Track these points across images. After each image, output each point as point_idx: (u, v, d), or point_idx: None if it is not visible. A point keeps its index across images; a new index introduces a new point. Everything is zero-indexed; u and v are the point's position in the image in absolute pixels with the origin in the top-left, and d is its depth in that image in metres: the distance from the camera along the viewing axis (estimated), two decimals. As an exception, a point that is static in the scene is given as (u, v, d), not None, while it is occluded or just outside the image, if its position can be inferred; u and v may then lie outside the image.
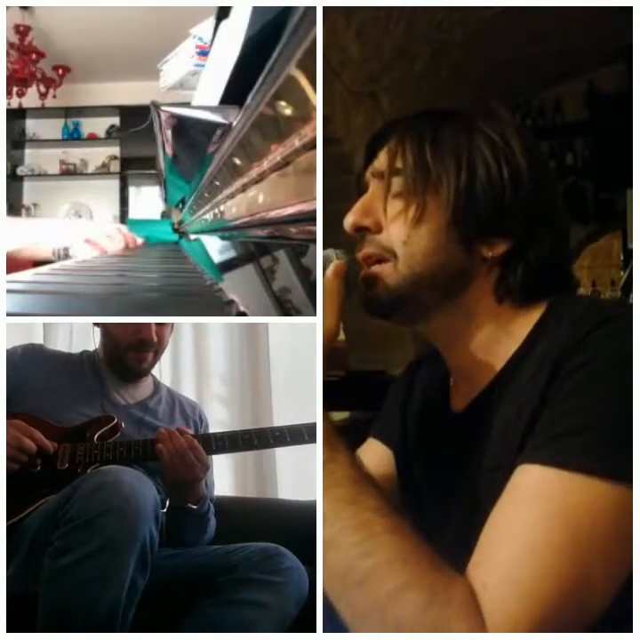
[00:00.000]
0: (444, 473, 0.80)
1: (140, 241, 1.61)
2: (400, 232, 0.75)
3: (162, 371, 2.20)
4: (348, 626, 0.62)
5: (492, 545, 0.62)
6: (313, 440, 1.32)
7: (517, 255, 0.75)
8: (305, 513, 1.38)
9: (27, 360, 1.43)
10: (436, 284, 0.75)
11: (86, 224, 1.66)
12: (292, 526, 1.45)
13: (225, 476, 2.02)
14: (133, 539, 1.03)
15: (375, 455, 0.93)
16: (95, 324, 1.50)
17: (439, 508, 0.80)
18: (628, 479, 0.61)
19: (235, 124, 1.03)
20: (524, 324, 0.75)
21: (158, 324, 1.44)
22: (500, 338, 0.76)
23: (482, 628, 0.57)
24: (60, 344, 2.11)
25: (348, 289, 0.73)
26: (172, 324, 1.52)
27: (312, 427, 1.32)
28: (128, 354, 1.44)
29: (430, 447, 0.84)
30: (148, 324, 1.42)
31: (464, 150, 0.74)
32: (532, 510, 0.61)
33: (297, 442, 1.34)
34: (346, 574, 0.60)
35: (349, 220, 0.78)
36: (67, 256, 1.59)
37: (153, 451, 1.29)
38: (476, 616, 0.58)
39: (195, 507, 1.33)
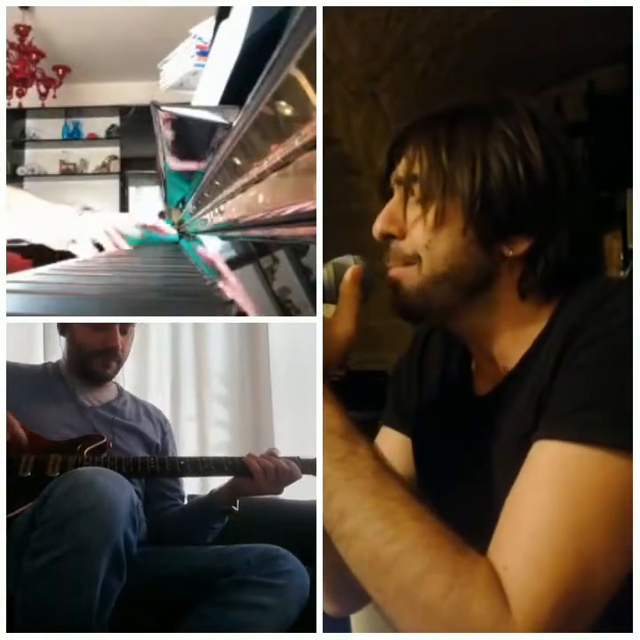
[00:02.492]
0: (464, 457, 0.81)
1: (125, 247, 1.60)
2: (421, 237, 0.76)
3: (162, 371, 2.20)
4: (379, 610, 0.64)
5: (511, 525, 0.63)
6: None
7: (539, 252, 0.75)
8: (306, 513, 1.38)
9: None
10: (459, 285, 0.76)
11: (89, 220, 1.63)
12: (293, 526, 1.45)
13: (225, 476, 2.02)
14: (106, 541, 1.03)
15: (392, 444, 0.93)
16: (61, 334, 1.52)
17: (457, 492, 0.80)
18: None
19: (235, 124, 1.03)
20: (548, 313, 0.76)
21: (122, 333, 1.47)
22: (525, 326, 0.77)
23: (505, 607, 0.58)
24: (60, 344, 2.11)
25: (364, 293, 0.74)
26: (133, 332, 1.54)
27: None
28: (94, 360, 1.46)
29: (452, 432, 0.84)
30: (115, 333, 1.45)
31: (478, 152, 0.74)
32: (550, 488, 0.62)
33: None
34: (373, 561, 0.62)
35: (377, 228, 0.79)
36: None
37: (143, 467, 1.32)
38: (499, 596, 0.59)
39: (236, 508, 1.39)
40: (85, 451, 1.33)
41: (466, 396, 0.85)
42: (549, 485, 0.62)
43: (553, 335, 0.72)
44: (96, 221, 1.62)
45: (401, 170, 0.80)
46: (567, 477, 0.62)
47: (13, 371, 1.46)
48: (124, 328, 1.48)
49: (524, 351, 0.76)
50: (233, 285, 1.09)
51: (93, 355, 1.46)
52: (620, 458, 0.61)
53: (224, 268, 1.35)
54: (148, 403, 1.65)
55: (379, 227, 0.79)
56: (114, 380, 1.55)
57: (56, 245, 1.60)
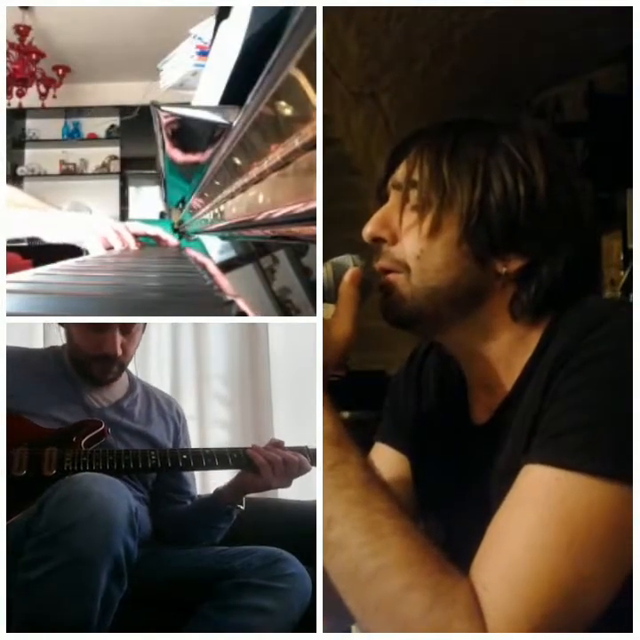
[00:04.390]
0: (463, 483, 0.80)
1: (134, 246, 1.60)
2: (413, 245, 0.75)
3: (162, 370, 2.21)
4: (358, 623, 0.64)
5: (492, 546, 0.63)
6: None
7: (532, 272, 0.74)
8: (306, 513, 1.37)
9: None
10: (450, 299, 0.75)
11: (99, 218, 1.62)
12: (293, 527, 1.44)
13: (225, 476, 2.02)
14: (105, 552, 1.01)
15: (387, 460, 0.92)
16: (60, 325, 1.44)
17: (456, 513, 0.81)
18: (628, 479, 0.61)
19: (235, 124, 1.03)
20: (539, 334, 0.75)
21: (125, 335, 1.38)
22: (517, 349, 0.76)
23: (483, 629, 0.58)
24: (60, 344, 2.11)
25: (363, 294, 0.73)
26: (142, 331, 1.46)
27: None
28: (92, 365, 1.39)
29: (450, 459, 0.84)
30: (113, 338, 1.36)
31: (481, 165, 0.74)
32: (532, 510, 0.62)
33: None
34: (355, 573, 0.62)
35: (367, 231, 0.78)
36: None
37: (144, 461, 1.28)
38: (478, 618, 0.58)
39: (242, 507, 1.35)
40: (82, 441, 1.28)
41: (463, 424, 0.84)
42: (532, 508, 0.62)
43: (544, 359, 0.71)
44: (104, 220, 1.60)
45: (400, 174, 0.79)
46: (549, 501, 0.61)
47: (12, 354, 1.40)
48: (127, 328, 1.39)
49: (517, 376, 0.76)
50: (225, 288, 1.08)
51: (91, 359, 1.38)
52: (602, 483, 0.61)
53: (216, 271, 1.34)
54: (163, 396, 1.57)
55: (369, 230, 0.78)
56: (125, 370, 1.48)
57: (71, 241, 1.59)
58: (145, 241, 1.66)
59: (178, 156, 1.62)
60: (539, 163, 0.73)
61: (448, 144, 0.76)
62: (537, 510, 0.61)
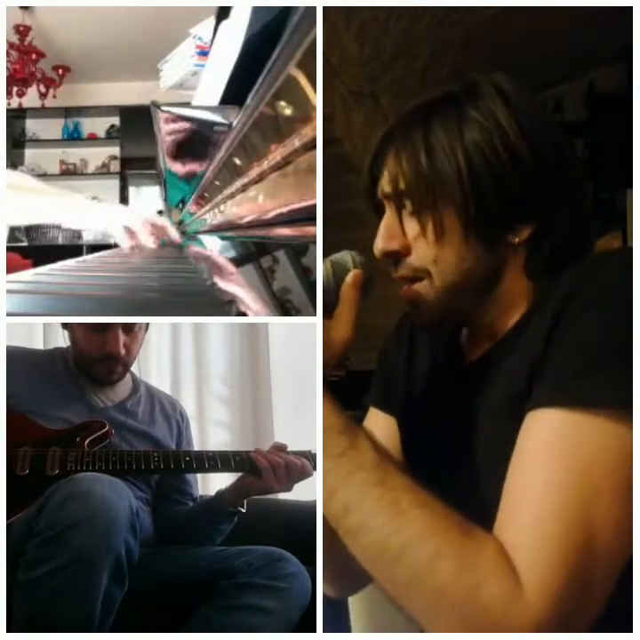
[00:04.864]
0: (450, 430, 0.80)
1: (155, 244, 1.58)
2: (427, 253, 0.76)
3: (162, 370, 2.21)
4: (391, 600, 0.64)
5: (514, 502, 0.62)
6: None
7: (542, 234, 0.74)
8: (306, 513, 1.37)
9: None
10: (472, 287, 0.76)
11: (130, 212, 1.59)
12: (293, 527, 1.44)
13: (226, 478, 2.02)
14: (106, 552, 1.00)
15: (379, 426, 0.93)
16: (63, 327, 1.45)
17: (444, 467, 0.80)
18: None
19: (235, 124, 1.03)
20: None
21: (127, 334, 1.39)
22: (525, 297, 0.77)
23: (516, 586, 0.58)
24: (60, 344, 2.11)
25: (364, 292, 0.74)
26: (145, 330, 1.47)
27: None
28: (95, 365, 1.39)
29: (439, 404, 0.84)
30: (116, 338, 1.36)
31: (458, 150, 0.73)
32: (550, 459, 0.61)
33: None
34: (381, 552, 0.62)
35: (379, 247, 0.78)
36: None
37: (147, 462, 1.28)
38: (509, 575, 0.58)
39: (243, 510, 1.35)
40: (86, 442, 1.28)
41: (454, 363, 0.84)
42: (549, 456, 0.61)
43: (546, 302, 0.71)
44: (130, 211, 1.59)
45: (386, 185, 0.79)
46: (567, 446, 0.61)
47: (23, 359, 1.42)
48: (129, 327, 1.39)
49: (518, 317, 0.77)
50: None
51: (94, 360, 1.39)
52: (621, 422, 0.60)
53: (223, 261, 1.34)
54: (167, 397, 1.57)
55: (380, 246, 0.78)
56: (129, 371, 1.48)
57: (95, 229, 1.57)
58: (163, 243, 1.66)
59: (179, 168, 1.62)
60: (509, 123, 0.72)
61: (420, 140, 0.75)
62: (555, 458, 0.61)
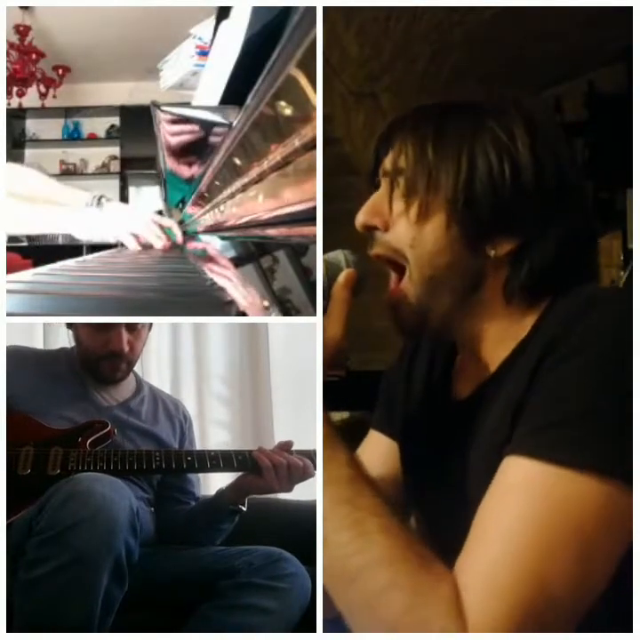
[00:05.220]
0: (446, 463, 0.80)
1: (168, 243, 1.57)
2: (405, 233, 0.75)
3: (162, 371, 2.21)
4: (346, 621, 0.63)
5: (474, 544, 0.62)
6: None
7: (523, 254, 0.74)
8: (306, 513, 1.37)
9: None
10: (450, 288, 0.75)
11: (133, 216, 1.59)
12: (293, 526, 1.45)
13: (225, 476, 2.02)
14: (106, 552, 1.01)
15: (379, 447, 0.93)
16: (68, 326, 1.46)
17: (440, 497, 0.80)
18: (616, 474, 0.60)
19: (235, 124, 1.03)
20: (534, 318, 0.74)
21: (131, 333, 1.40)
22: (514, 332, 0.75)
23: (463, 629, 0.57)
24: (61, 344, 2.10)
25: (357, 291, 0.74)
26: (148, 330, 1.48)
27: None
28: (100, 363, 1.41)
29: (434, 436, 0.84)
30: (119, 336, 1.38)
31: (466, 148, 0.73)
32: (514, 506, 0.60)
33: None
34: (341, 572, 0.62)
35: (360, 219, 0.78)
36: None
37: (148, 462, 1.28)
38: (457, 618, 0.58)
39: (244, 508, 1.35)
40: (88, 442, 1.29)
41: (446, 399, 0.84)
42: (514, 503, 0.61)
43: (532, 343, 0.70)
44: (138, 217, 1.59)
45: (388, 162, 0.79)
46: (533, 496, 0.60)
47: (29, 358, 1.44)
48: (133, 325, 1.41)
49: (506, 355, 0.75)
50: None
51: (99, 358, 1.40)
52: (588, 479, 0.59)
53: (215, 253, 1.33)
54: (170, 398, 1.58)
55: (361, 218, 0.78)
56: (132, 371, 1.50)
57: (105, 240, 1.58)
58: (168, 233, 1.65)
59: (178, 168, 1.62)
60: (524, 142, 0.73)
61: (432, 130, 0.76)
62: (519, 506, 0.60)
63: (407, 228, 0.75)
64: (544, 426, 0.62)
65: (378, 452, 0.92)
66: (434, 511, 0.84)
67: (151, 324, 1.49)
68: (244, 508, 1.36)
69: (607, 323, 0.65)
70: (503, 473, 0.63)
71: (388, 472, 0.90)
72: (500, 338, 0.76)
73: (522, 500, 0.60)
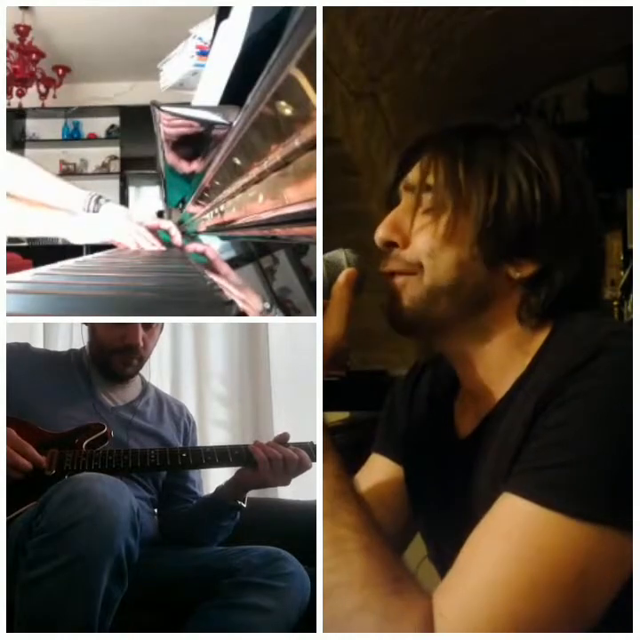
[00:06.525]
0: (449, 491, 0.80)
1: (158, 246, 1.58)
2: (426, 244, 0.75)
3: (162, 371, 2.21)
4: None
5: (457, 573, 0.62)
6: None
7: (544, 277, 0.74)
8: (305, 513, 1.37)
9: (12, 359, 1.37)
10: (458, 300, 0.75)
11: (125, 220, 1.60)
12: (292, 526, 1.45)
13: (224, 476, 2.02)
14: (106, 552, 1.00)
15: (382, 471, 0.92)
16: (84, 323, 1.47)
17: (446, 522, 0.80)
18: (603, 523, 0.59)
19: (235, 124, 1.03)
20: (538, 342, 0.74)
21: (145, 330, 1.41)
22: (515, 357, 0.75)
23: None
24: (61, 344, 2.11)
25: (357, 290, 0.73)
26: (160, 330, 1.49)
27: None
28: (113, 357, 1.41)
29: (437, 471, 0.84)
30: (136, 330, 1.39)
31: (496, 170, 0.74)
32: (500, 543, 0.61)
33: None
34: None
35: (379, 235, 0.77)
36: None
37: (143, 460, 1.28)
38: None
39: (244, 504, 1.35)
40: (84, 443, 1.29)
41: (448, 436, 0.83)
42: (500, 540, 0.61)
43: (531, 383, 0.70)
44: (128, 222, 1.59)
45: (413, 177, 0.78)
46: (519, 535, 0.60)
47: (37, 358, 1.45)
48: (148, 323, 1.41)
49: (506, 391, 0.75)
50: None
51: (113, 352, 1.41)
52: (577, 525, 0.59)
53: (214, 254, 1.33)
54: (174, 401, 1.59)
55: (381, 234, 0.77)
56: (139, 373, 1.50)
57: (98, 242, 1.59)
58: (162, 236, 1.66)
59: (178, 168, 1.62)
60: (553, 168, 0.74)
61: (462, 149, 0.76)
62: (505, 543, 0.60)
63: (429, 240, 0.75)
64: (538, 468, 0.63)
65: (380, 474, 0.92)
66: (442, 534, 0.84)
67: (162, 325, 1.50)
68: (244, 505, 1.35)
69: (606, 372, 0.64)
70: (496, 508, 0.64)
71: (391, 495, 0.90)
72: (502, 363, 0.76)
73: (508, 539, 0.60)
